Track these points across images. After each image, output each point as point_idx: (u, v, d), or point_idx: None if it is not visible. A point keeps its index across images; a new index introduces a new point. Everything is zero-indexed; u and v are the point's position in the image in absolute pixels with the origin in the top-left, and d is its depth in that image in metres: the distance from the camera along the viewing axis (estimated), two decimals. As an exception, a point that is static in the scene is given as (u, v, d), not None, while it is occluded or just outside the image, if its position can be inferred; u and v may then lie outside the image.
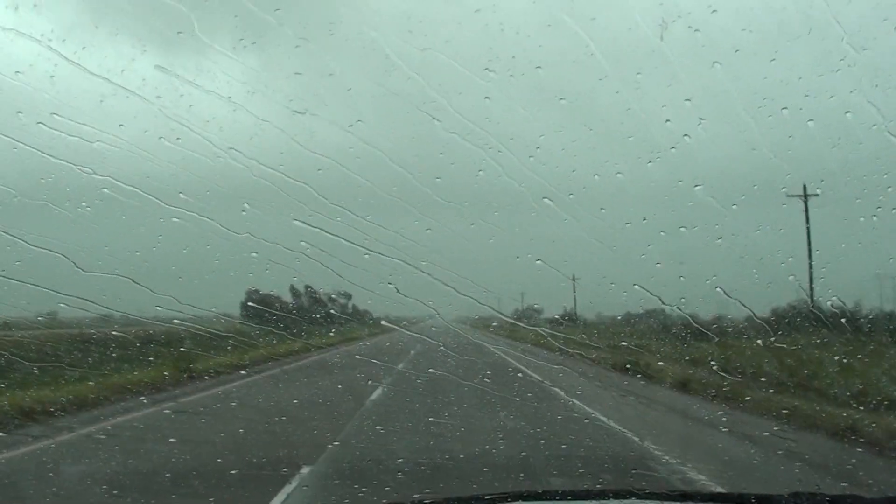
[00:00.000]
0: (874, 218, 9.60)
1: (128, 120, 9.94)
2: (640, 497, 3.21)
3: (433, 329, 21.11)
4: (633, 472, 8.21)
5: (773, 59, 10.75)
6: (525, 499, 3.19)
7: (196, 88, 9.79)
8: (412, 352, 24.66)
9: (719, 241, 10.56)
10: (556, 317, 27.13)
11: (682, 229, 10.39)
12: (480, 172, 9.94)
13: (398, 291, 8.66)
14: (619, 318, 27.91)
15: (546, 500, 3.25)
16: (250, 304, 17.04)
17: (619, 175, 11.20)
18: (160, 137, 9.48)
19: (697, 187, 10.21)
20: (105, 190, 8.68)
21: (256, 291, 17.45)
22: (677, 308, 11.23)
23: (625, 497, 3.22)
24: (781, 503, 2.75)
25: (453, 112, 9.41)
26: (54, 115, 8.58)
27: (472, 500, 3.24)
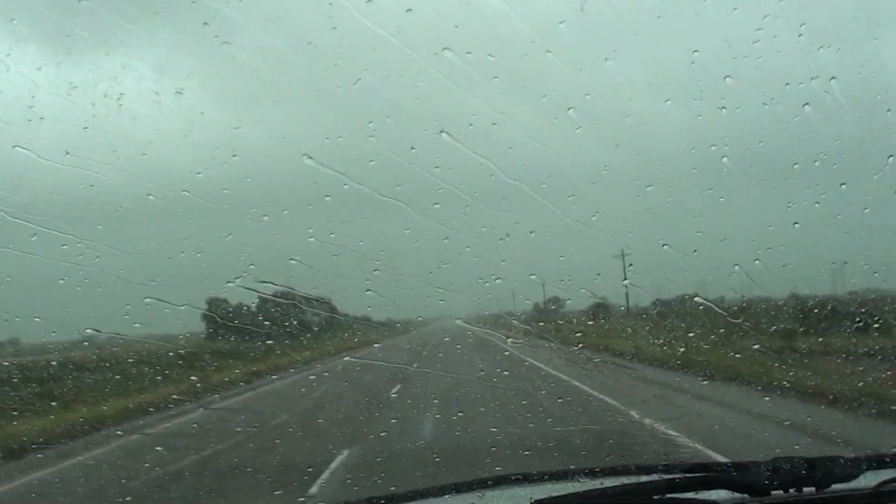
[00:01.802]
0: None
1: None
2: (614, 473, 3.22)
3: (445, 339, 18.92)
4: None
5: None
6: (518, 481, 3.22)
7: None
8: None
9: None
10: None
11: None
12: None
13: (378, 296, 8.35)
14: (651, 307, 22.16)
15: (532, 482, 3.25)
16: (212, 314, 14.75)
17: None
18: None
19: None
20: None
21: (223, 301, 14.82)
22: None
23: (607, 474, 3.22)
24: (760, 469, 2.76)
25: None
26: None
27: (461, 486, 3.24)
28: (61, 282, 8.56)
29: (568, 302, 18.82)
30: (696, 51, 9.44)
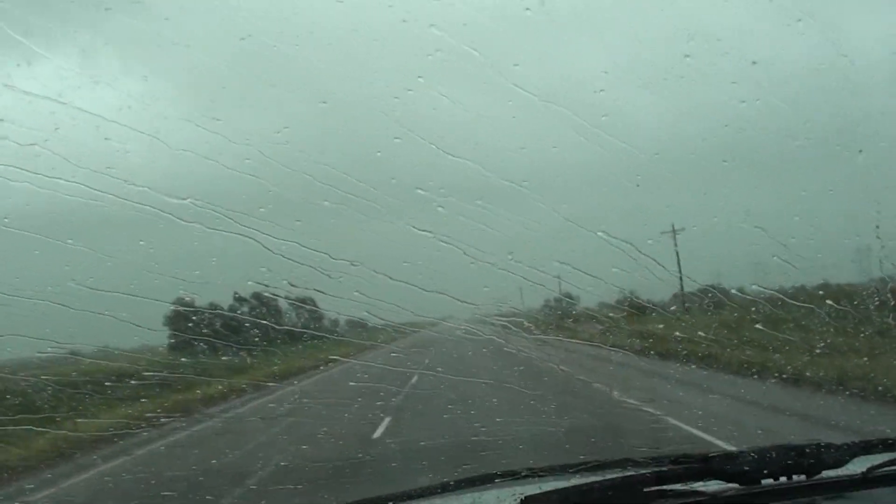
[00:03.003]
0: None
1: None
2: (592, 469, 3.18)
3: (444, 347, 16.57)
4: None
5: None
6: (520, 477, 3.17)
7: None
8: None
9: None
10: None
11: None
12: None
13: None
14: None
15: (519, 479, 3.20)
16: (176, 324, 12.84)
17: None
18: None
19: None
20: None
21: (189, 303, 12.54)
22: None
23: (596, 469, 3.18)
24: (749, 458, 2.74)
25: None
26: None
27: (462, 483, 3.18)
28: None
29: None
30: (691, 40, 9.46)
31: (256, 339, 12.92)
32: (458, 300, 8.41)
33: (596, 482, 2.74)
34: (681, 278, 17.60)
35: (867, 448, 2.88)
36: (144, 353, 12.87)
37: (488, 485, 3.15)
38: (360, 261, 8.21)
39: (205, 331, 12.23)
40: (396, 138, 8.17)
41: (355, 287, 8.11)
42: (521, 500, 2.65)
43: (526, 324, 13.41)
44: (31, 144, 7.90)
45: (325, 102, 8.82)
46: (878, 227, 8.63)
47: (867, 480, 2.73)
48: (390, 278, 8.08)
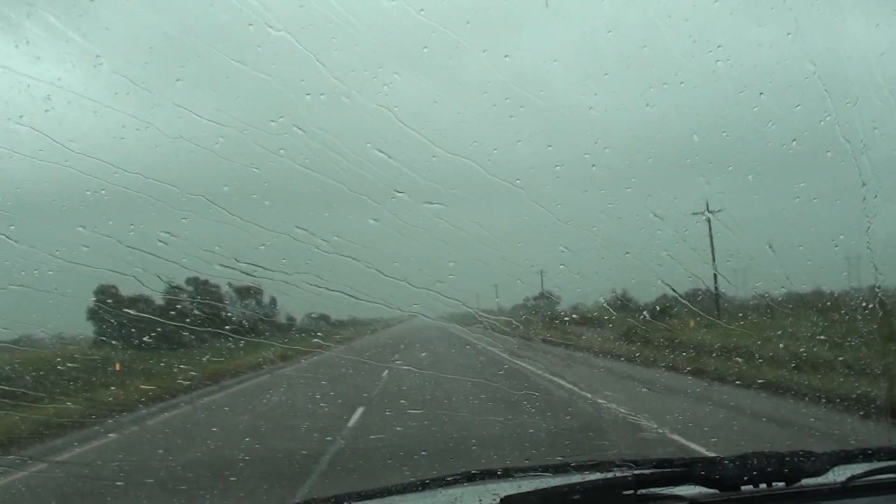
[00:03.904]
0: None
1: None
2: (572, 469, 3.17)
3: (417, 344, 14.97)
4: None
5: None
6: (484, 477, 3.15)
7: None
8: None
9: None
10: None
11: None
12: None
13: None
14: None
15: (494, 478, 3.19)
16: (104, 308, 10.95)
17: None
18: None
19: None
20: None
21: (111, 289, 11.10)
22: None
23: (576, 470, 3.17)
24: (729, 464, 2.74)
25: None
26: None
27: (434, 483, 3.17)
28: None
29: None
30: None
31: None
32: (444, 295, 8.32)
33: (576, 483, 2.73)
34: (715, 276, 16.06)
35: (848, 458, 2.88)
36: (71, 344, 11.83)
37: (467, 483, 3.14)
38: (346, 253, 8.11)
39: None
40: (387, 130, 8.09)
41: (337, 279, 7.98)
42: (500, 499, 2.64)
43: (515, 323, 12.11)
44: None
45: (322, 95, 8.74)
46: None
47: (847, 490, 2.73)
48: (383, 274, 8.00)
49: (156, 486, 7.72)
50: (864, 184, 8.27)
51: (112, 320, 11.50)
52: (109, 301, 11.19)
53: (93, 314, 12.56)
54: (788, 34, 9.14)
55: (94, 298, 11.56)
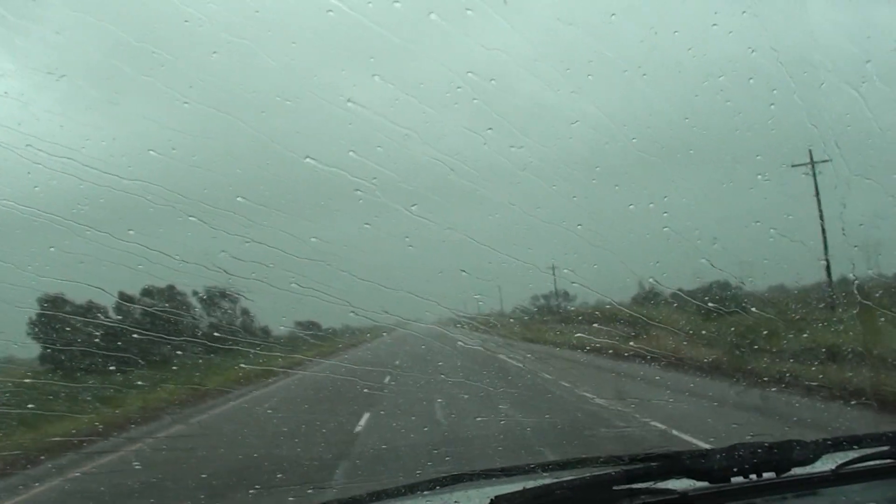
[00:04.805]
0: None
1: None
2: (573, 466, 3.14)
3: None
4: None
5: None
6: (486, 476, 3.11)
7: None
8: None
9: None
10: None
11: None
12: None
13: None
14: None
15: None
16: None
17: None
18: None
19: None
20: None
21: (58, 299, 9.82)
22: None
23: (566, 467, 3.15)
24: (719, 456, 2.72)
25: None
26: None
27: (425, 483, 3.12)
28: None
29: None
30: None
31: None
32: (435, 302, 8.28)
33: (565, 481, 2.70)
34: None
35: (836, 445, 2.88)
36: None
37: (457, 485, 3.10)
38: (334, 262, 8.04)
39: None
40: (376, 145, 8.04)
41: (330, 287, 7.88)
42: (491, 500, 2.60)
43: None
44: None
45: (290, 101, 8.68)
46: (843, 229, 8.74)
47: (837, 477, 2.73)
48: (383, 288, 7.94)
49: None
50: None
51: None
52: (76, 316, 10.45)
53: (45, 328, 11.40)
54: (744, 12, 9.25)
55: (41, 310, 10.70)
